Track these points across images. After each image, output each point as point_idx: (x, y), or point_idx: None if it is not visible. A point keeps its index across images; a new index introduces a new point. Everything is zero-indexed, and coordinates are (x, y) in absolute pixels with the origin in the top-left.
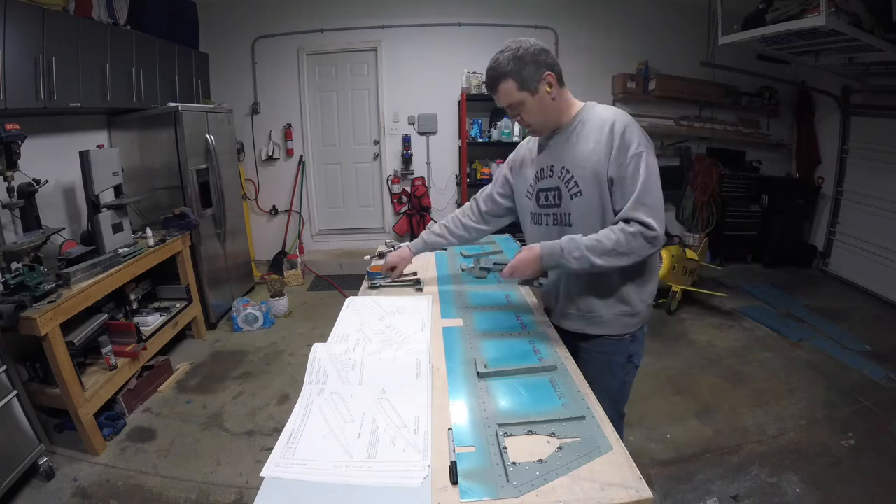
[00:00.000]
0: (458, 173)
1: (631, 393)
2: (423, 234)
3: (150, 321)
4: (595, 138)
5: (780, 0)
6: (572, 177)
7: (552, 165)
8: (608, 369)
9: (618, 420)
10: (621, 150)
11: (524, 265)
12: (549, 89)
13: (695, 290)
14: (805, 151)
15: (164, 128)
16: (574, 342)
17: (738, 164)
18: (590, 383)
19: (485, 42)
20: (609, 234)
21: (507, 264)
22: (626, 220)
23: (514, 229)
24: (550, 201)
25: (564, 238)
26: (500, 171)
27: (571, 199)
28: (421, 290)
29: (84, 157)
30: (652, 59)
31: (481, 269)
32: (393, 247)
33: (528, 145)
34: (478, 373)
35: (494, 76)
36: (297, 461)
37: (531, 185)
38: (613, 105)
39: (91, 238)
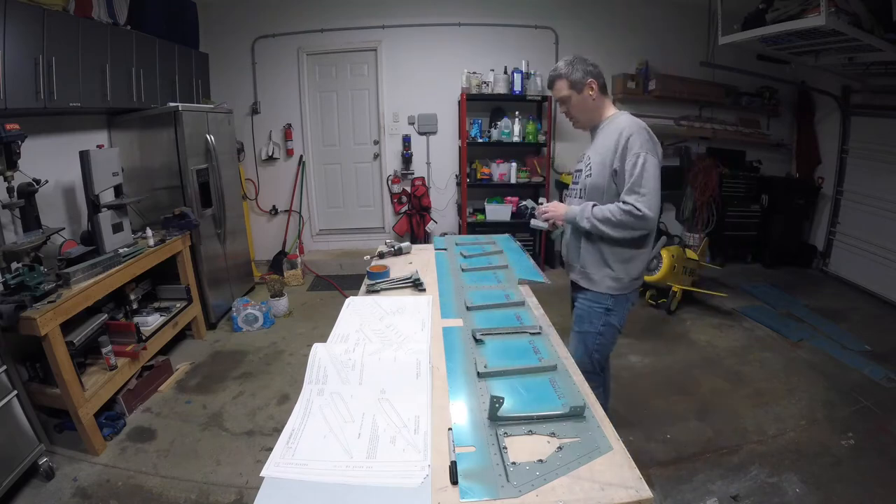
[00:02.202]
0: (458, 173)
1: (611, 349)
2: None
3: (150, 321)
4: (611, 139)
5: (780, 0)
6: (591, 163)
7: (586, 153)
8: (587, 315)
9: (594, 374)
10: (625, 151)
11: (556, 213)
12: (591, 92)
13: (695, 290)
14: (805, 151)
15: (164, 128)
16: (574, 293)
17: (738, 164)
18: (574, 325)
19: (485, 42)
20: (610, 207)
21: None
22: (623, 202)
23: (515, 230)
24: (577, 179)
25: (585, 204)
26: None
27: (586, 178)
28: (423, 289)
29: (84, 157)
30: (652, 59)
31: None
32: (393, 247)
33: None
34: (478, 373)
35: (553, 75)
36: (297, 461)
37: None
38: (613, 105)
39: (91, 238)
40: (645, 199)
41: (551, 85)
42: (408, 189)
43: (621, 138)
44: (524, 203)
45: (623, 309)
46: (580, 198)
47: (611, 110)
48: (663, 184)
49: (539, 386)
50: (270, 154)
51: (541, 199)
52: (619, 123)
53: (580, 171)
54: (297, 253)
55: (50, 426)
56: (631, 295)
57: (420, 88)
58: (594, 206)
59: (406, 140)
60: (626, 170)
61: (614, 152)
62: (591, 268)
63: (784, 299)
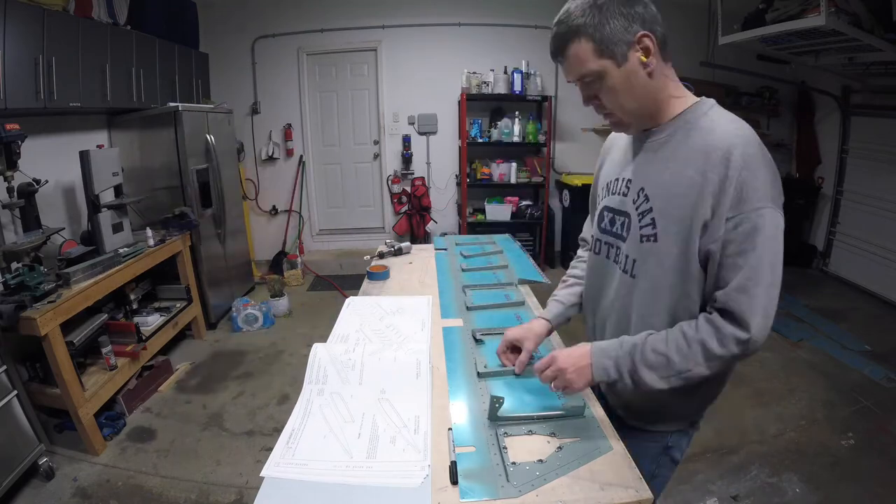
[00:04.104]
0: (458, 173)
1: (665, 487)
2: (554, 302)
3: (150, 321)
4: (698, 166)
5: (780, 0)
6: (650, 209)
7: (630, 180)
8: (634, 455)
9: None
10: (736, 202)
11: (571, 382)
12: (644, 59)
13: None
14: (805, 151)
15: (164, 128)
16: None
17: None
18: None
19: (485, 42)
20: (680, 338)
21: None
22: (721, 311)
23: (514, 229)
24: (615, 230)
25: (632, 344)
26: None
27: (641, 241)
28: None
29: (84, 157)
30: None
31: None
32: (393, 247)
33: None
34: (478, 373)
35: (562, 33)
36: (297, 461)
37: (600, 194)
38: None
39: (91, 238)
40: (760, 305)
41: (559, 50)
42: (408, 189)
43: (729, 173)
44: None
45: (686, 439)
46: (629, 273)
47: (685, 96)
48: None
49: (539, 386)
50: (270, 154)
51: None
52: (717, 133)
53: (619, 213)
54: (297, 253)
55: (50, 426)
56: (699, 420)
57: (420, 88)
58: (646, 341)
59: (406, 140)
60: (732, 241)
61: (712, 201)
62: (638, 402)
63: (784, 299)
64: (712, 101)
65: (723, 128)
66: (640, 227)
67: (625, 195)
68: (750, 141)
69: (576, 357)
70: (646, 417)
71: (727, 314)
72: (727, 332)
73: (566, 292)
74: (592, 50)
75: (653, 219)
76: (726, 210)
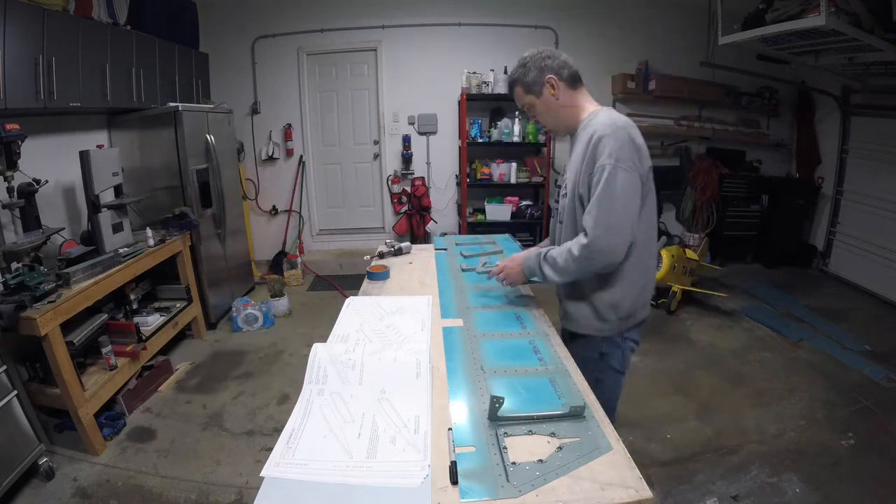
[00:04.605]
0: (458, 173)
1: (620, 397)
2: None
3: (150, 321)
4: (583, 148)
5: (780, 0)
6: (566, 179)
7: (565, 166)
8: (581, 364)
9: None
10: (589, 163)
11: (511, 274)
12: (552, 91)
13: (695, 290)
14: (805, 151)
15: (164, 128)
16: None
17: (738, 164)
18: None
19: (485, 42)
20: (564, 249)
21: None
22: (583, 230)
23: (514, 229)
24: (557, 198)
25: (539, 251)
26: None
27: (561, 199)
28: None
29: (84, 157)
30: (652, 59)
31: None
32: (393, 247)
33: None
34: (461, 268)
35: (509, 83)
36: (297, 461)
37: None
38: (613, 105)
39: (91, 238)
40: (598, 227)
41: (510, 93)
42: (408, 189)
43: (590, 145)
44: (483, 261)
45: (620, 348)
46: (560, 222)
47: (588, 108)
48: (664, 184)
49: (539, 386)
50: (270, 154)
51: (488, 259)
52: (592, 125)
53: (560, 186)
54: (297, 253)
55: (50, 426)
56: (630, 333)
57: (420, 88)
58: (548, 251)
59: (406, 140)
60: (590, 187)
61: (581, 163)
62: (570, 306)
63: (784, 299)
64: (605, 108)
65: (598, 123)
66: (561, 190)
67: (563, 175)
68: (607, 127)
69: (514, 263)
70: (576, 322)
71: (583, 230)
72: (580, 240)
73: (545, 243)
74: (523, 91)
75: (566, 185)
76: (587, 169)
